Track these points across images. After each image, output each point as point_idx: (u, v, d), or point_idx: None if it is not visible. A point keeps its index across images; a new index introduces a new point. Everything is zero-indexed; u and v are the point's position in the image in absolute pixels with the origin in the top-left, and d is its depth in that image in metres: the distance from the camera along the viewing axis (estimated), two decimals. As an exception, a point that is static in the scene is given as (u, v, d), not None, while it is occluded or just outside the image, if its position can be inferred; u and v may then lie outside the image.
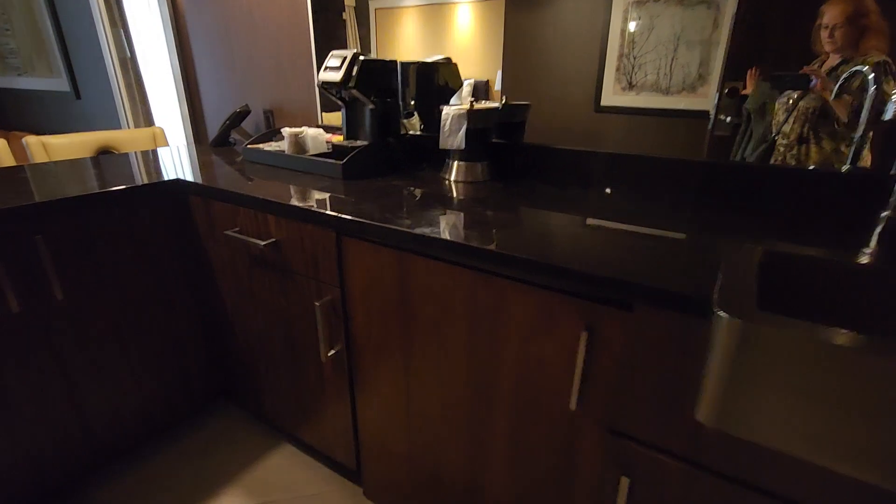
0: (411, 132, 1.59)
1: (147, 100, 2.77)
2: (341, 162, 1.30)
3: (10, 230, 1.06)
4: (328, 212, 1.01)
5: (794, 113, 1.04)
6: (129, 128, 2.74)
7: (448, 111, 1.26)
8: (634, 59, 1.24)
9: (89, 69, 2.77)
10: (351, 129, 1.47)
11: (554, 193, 1.20)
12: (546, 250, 0.79)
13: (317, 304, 1.12)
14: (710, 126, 1.14)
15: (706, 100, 1.14)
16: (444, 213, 1.00)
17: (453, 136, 1.27)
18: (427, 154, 1.57)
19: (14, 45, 3.17)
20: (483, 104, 1.30)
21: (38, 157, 1.73)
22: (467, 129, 1.25)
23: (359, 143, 1.42)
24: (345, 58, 1.31)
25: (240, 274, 1.32)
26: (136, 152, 1.75)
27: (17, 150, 3.01)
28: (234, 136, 1.89)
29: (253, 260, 1.26)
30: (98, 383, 1.29)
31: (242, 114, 1.88)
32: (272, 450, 1.54)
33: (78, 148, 1.83)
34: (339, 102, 1.44)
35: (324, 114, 1.83)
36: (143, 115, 2.78)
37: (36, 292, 1.12)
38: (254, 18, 1.88)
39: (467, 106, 1.26)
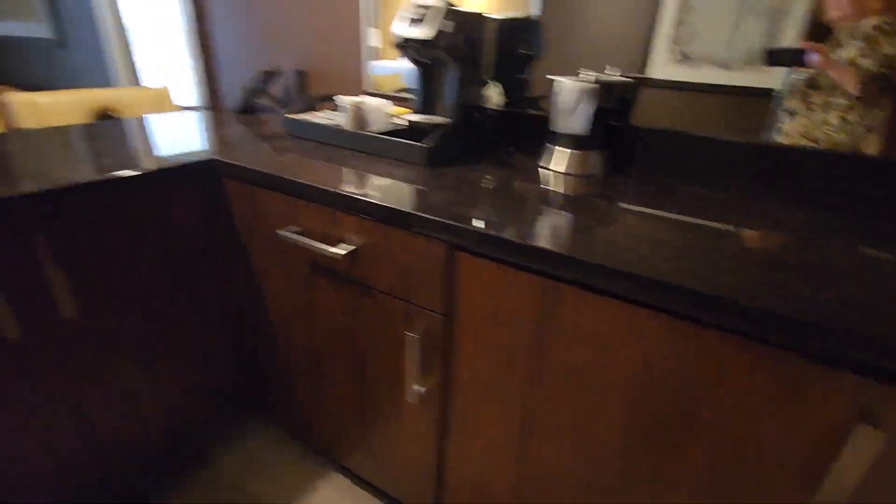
0: (489, 106, 1.30)
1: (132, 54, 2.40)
2: (427, 145, 1.02)
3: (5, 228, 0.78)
4: (442, 219, 0.74)
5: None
6: (122, 84, 2.38)
7: (569, 84, 0.98)
8: (692, 26, 1.05)
9: (77, 13, 2.38)
10: (427, 101, 1.18)
11: (709, 196, 0.94)
12: (791, 295, 0.54)
13: (408, 333, 0.87)
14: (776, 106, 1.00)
15: (772, 76, 0.99)
16: (595, 226, 0.75)
17: (573, 115, 1.00)
18: (510, 134, 1.29)
19: (-16, -19, 2.73)
20: (609, 76, 1.03)
21: (24, 119, 1.40)
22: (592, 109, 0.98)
23: (438, 118, 1.13)
24: (430, 7, 1.01)
25: (292, 282, 1.05)
26: (144, 118, 1.43)
27: None
28: (262, 101, 1.58)
29: (315, 267, 0.99)
30: (113, 407, 1.03)
31: (272, 75, 1.56)
32: (319, 480, 1.31)
33: (72, 109, 1.51)
34: (416, 65, 1.14)
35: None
36: (132, 70, 2.41)
37: (37, 310, 0.85)
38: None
39: (591, 78, 0.99)
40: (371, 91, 1.52)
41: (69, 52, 2.51)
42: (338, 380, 1.10)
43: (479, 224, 0.72)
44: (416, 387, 0.92)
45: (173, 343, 1.12)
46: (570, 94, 0.98)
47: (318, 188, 0.88)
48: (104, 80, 2.42)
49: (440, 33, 1.00)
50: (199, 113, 1.58)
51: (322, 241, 0.92)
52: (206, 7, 1.83)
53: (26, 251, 0.81)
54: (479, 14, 1.11)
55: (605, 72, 1.06)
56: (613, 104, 1.04)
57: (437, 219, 0.75)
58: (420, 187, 0.90)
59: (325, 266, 0.97)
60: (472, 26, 1.07)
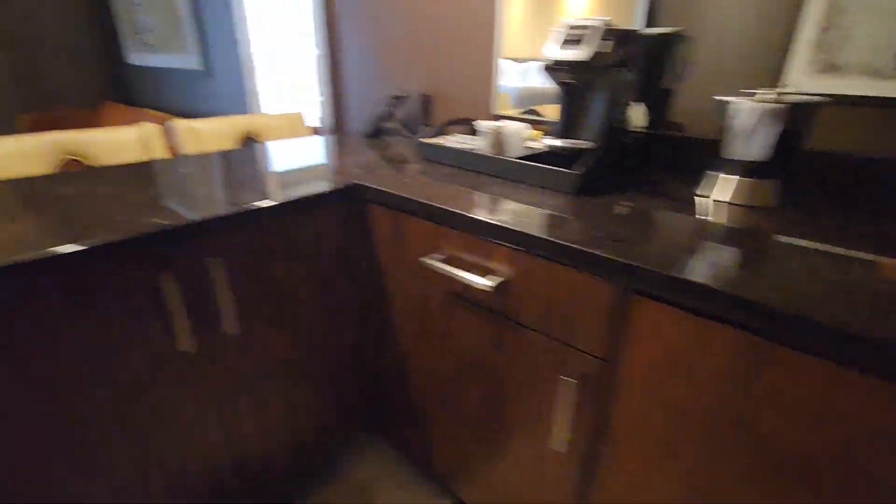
0: (632, 128, 1.22)
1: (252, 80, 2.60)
2: (577, 171, 0.96)
3: (185, 251, 0.84)
4: (616, 258, 0.68)
5: None
6: (258, 108, 2.60)
7: (749, 105, 0.87)
8: (843, 30, 0.92)
9: (221, 46, 2.65)
10: (569, 124, 1.12)
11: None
12: None
13: (563, 377, 0.81)
14: None
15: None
16: (799, 271, 0.63)
17: (751, 140, 0.88)
18: (656, 159, 1.20)
19: (149, 22, 3.15)
20: (793, 94, 0.90)
21: (186, 143, 1.56)
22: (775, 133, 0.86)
23: (582, 143, 1.07)
24: (588, 28, 0.96)
25: (431, 308, 1.04)
26: (286, 142, 1.53)
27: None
28: (389, 125, 1.62)
29: (455, 297, 0.97)
30: (255, 416, 1.08)
31: (401, 99, 1.60)
32: (435, 508, 1.28)
33: (223, 134, 1.65)
34: (561, 87, 1.10)
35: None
36: (265, 97, 2.62)
37: (206, 326, 0.91)
38: (419, -16, 1.58)
39: (772, 97, 0.87)
40: (499, 114, 1.49)
41: (214, 80, 2.81)
42: (468, 412, 1.06)
43: (659, 264, 0.65)
44: (564, 434, 0.85)
45: (312, 361, 1.15)
46: (749, 117, 0.87)
47: (468, 216, 0.86)
48: (242, 104, 2.66)
49: (597, 54, 0.94)
50: (330, 137, 1.66)
51: (468, 271, 0.89)
52: (338, 34, 1.93)
53: (201, 272, 0.87)
54: (633, 31, 1.04)
55: (763, 90, 0.93)
56: (794, 126, 0.91)
57: (610, 257, 0.68)
58: (575, 218, 0.84)
59: (468, 296, 0.94)
60: (626, 44, 1.00)
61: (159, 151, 1.49)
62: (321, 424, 1.25)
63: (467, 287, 0.93)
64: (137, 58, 3.47)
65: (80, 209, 0.86)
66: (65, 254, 0.69)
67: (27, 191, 0.98)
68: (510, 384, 0.94)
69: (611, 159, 1.05)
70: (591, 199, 0.96)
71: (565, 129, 1.13)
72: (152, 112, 3.11)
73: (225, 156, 1.34)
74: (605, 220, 0.83)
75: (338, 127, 2.10)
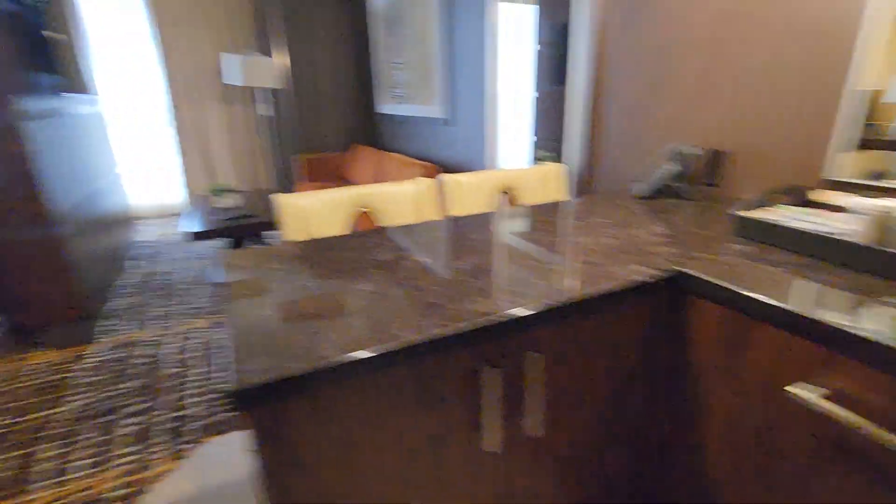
0: None
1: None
2: None
3: (507, 343, 0.76)
4: None
5: None
6: (496, 154, 2.65)
7: None
8: None
9: (464, 97, 2.81)
10: None
11: None
12: None
13: None
14: None
15: None
16: None
17: None
18: None
19: (403, 78, 3.57)
20: None
21: (451, 195, 1.60)
22: None
23: None
24: None
25: (780, 447, 0.78)
26: (558, 206, 1.44)
27: (392, 169, 3.35)
28: (673, 185, 1.41)
29: (836, 447, 0.70)
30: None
31: (689, 158, 1.38)
32: None
33: (484, 188, 1.66)
34: None
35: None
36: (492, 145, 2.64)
37: (510, 424, 0.82)
38: (722, 28, 1.35)
39: None
40: (839, 180, 1.15)
41: (455, 128, 2.99)
42: None
43: None
44: None
45: (601, 457, 0.99)
46: None
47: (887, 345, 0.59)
48: (479, 150, 2.77)
49: None
50: (597, 197, 1.52)
51: (877, 421, 0.62)
52: (605, 75, 1.82)
53: (518, 367, 0.78)
54: None
55: None
56: None
57: None
58: None
59: (859, 453, 0.66)
60: None
61: (430, 203, 1.55)
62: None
63: (867, 441, 0.66)
64: (387, 107, 3.97)
65: (411, 289, 0.87)
66: (402, 348, 0.66)
67: (347, 252, 1.05)
68: None
69: None
70: None
71: None
72: (395, 154, 3.48)
73: (498, 221, 1.30)
74: None
75: (587, 181, 1.97)
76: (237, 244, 3.27)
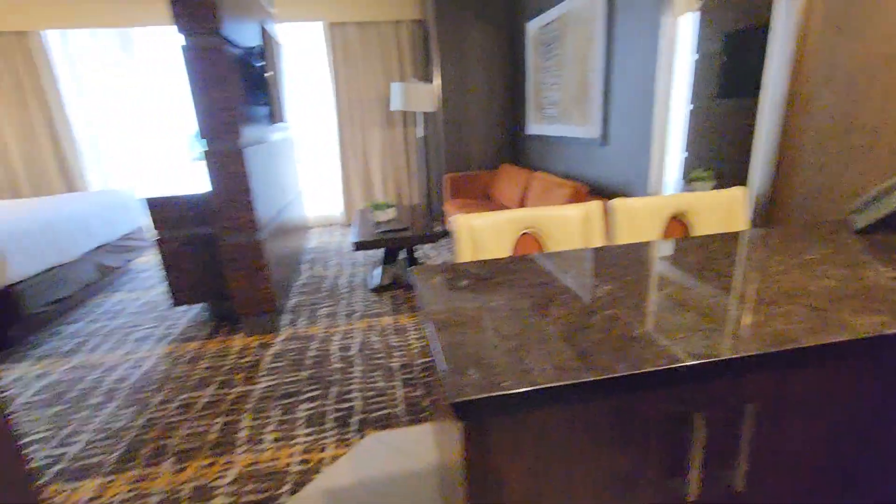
0: None
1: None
2: None
3: (720, 390, 0.71)
4: None
5: None
6: (661, 174, 2.50)
7: None
8: None
9: (621, 118, 2.71)
10: None
11: None
12: None
13: None
14: None
15: None
16: None
17: None
18: None
19: (556, 98, 3.57)
20: None
21: (619, 219, 1.55)
22: None
23: None
24: None
25: None
26: (743, 235, 1.31)
27: (539, 189, 3.35)
28: (896, 217, 1.19)
29: None
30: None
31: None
32: None
33: (653, 212, 1.58)
34: None
35: None
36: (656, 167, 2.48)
37: (714, 476, 0.76)
38: None
39: None
40: None
41: (608, 148, 2.90)
42: None
43: None
44: None
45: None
46: None
47: None
48: (637, 173, 2.64)
49: None
50: (796, 227, 1.35)
51: None
52: (804, 98, 1.61)
53: (725, 413, 0.73)
54: None
55: None
56: None
57: None
58: None
59: None
60: None
61: (598, 227, 1.52)
62: None
63: None
64: (536, 128, 4.00)
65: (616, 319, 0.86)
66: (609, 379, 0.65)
67: (528, 275, 1.08)
68: None
69: None
70: None
71: None
72: (543, 174, 3.49)
73: (680, 250, 1.23)
74: None
75: (768, 209, 1.75)
76: (391, 255, 3.57)
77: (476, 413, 0.63)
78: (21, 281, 2.64)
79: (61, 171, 4.68)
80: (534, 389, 0.62)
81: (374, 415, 1.95)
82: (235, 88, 2.35)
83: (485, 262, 1.17)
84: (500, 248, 1.49)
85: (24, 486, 0.70)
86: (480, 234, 1.46)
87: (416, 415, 1.94)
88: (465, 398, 0.62)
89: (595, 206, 1.53)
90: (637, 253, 1.18)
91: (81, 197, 3.64)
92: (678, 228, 1.66)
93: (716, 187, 2.32)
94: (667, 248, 1.21)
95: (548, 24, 3.56)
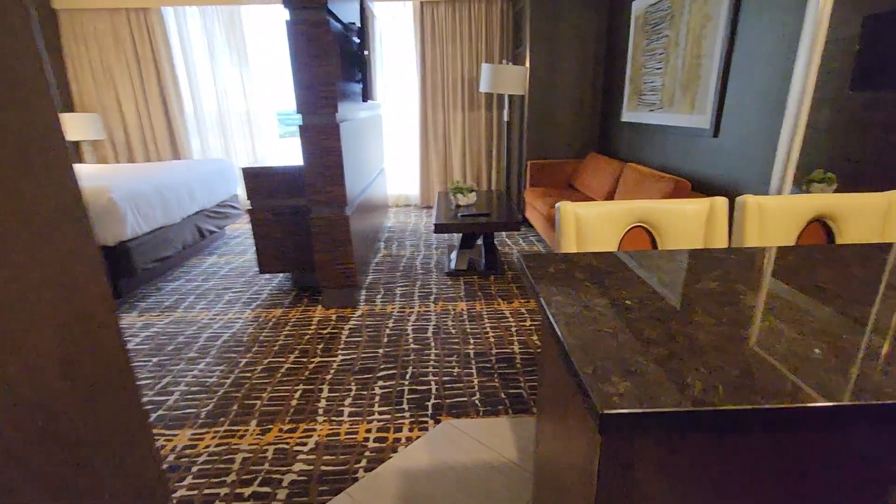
0: None
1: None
2: None
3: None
4: None
5: None
6: (772, 172, 2.22)
7: None
8: None
9: (736, 108, 2.43)
10: None
11: None
12: None
13: None
14: None
15: None
16: None
17: None
18: None
19: (658, 83, 3.30)
20: None
21: (750, 220, 1.37)
22: None
23: None
24: None
25: None
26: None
27: (633, 182, 3.12)
28: None
29: None
30: None
31: None
32: None
33: (789, 213, 1.38)
34: None
35: None
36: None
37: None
38: None
39: None
40: None
41: (718, 140, 2.63)
42: None
43: None
44: None
45: None
46: None
47: None
48: (756, 170, 2.36)
49: None
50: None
51: None
52: None
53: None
54: None
55: None
56: None
57: None
58: None
59: None
60: None
61: (721, 226, 1.35)
62: None
63: None
64: (632, 115, 3.73)
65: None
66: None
67: (653, 272, 0.96)
68: None
69: None
70: None
71: None
72: (639, 166, 3.24)
73: (842, 257, 1.04)
74: None
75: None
76: (468, 240, 3.50)
77: (625, 428, 0.54)
78: (134, 238, 2.87)
79: (170, 139, 5.06)
80: (707, 411, 0.52)
81: (449, 401, 1.91)
82: (335, 64, 2.37)
83: (600, 254, 1.06)
84: (607, 240, 1.37)
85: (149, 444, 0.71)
86: (587, 223, 1.35)
87: (492, 406, 1.87)
88: (614, 410, 0.53)
89: (721, 202, 1.35)
90: (784, 258, 1.02)
91: (187, 164, 3.90)
92: (817, 234, 1.44)
93: (837, 191, 2.02)
94: (820, 255, 1.03)
95: (657, 1, 3.28)
